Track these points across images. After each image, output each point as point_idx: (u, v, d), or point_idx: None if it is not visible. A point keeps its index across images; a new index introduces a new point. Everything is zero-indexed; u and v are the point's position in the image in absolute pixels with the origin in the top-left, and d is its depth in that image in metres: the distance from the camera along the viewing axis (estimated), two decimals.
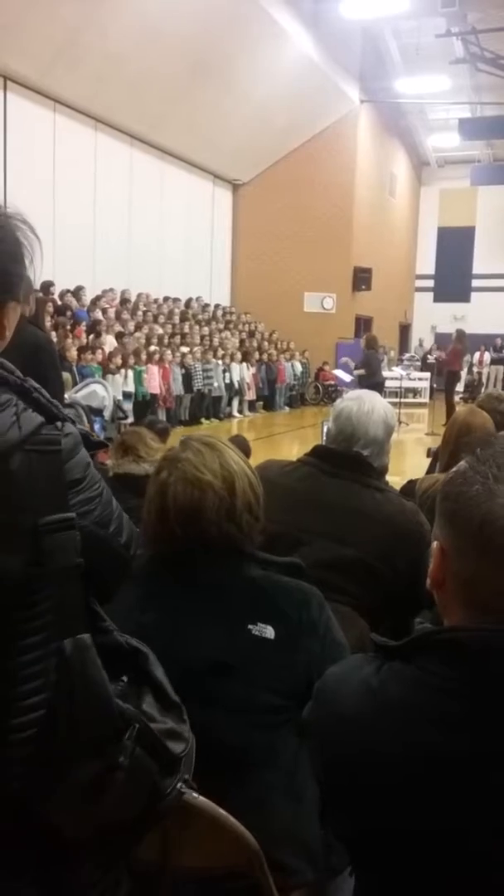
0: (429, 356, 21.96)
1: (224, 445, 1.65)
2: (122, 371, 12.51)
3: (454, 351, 15.55)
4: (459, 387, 21.47)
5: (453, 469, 1.01)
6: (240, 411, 16.67)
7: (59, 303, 13.24)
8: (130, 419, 12.21)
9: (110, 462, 3.54)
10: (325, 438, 2.51)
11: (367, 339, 13.94)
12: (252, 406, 17.28)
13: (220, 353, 16.10)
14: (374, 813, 0.96)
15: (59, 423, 1.16)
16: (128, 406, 12.28)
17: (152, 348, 13.83)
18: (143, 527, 1.60)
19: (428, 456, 4.55)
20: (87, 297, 14.24)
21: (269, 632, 1.51)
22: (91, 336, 12.65)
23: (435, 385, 15.86)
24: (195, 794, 1.27)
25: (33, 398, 1.16)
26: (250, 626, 1.51)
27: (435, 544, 0.99)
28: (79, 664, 1.12)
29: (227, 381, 15.99)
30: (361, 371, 13.38)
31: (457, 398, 17.54)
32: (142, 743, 1.16)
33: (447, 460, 2.87)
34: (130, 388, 12.72)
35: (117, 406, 11.01)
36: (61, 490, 1.14)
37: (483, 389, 19.43)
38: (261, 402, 17.66)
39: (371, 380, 12.65)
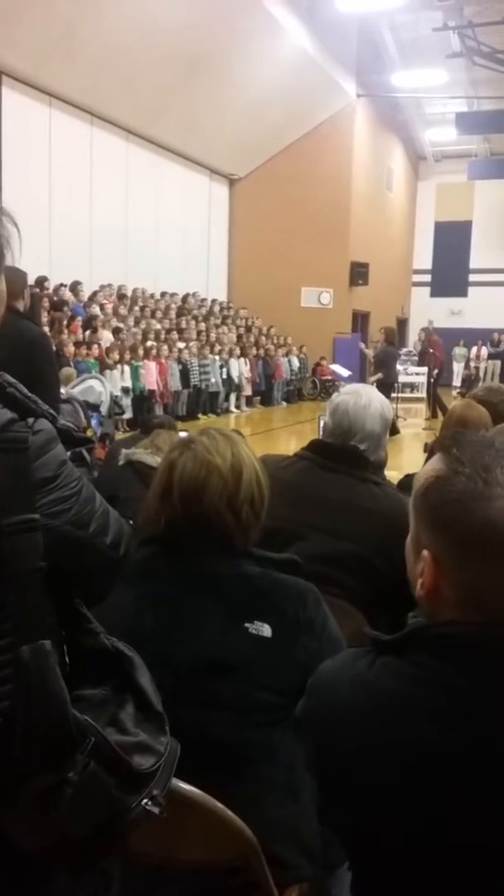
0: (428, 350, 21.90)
1: (241, 439, 1.65)
2: (119, 366, 12.50)
3: (437, 344, 15.52)
4: (456, 381, 21.55)
5: (431, 473, 0.97)
6: (237, 406, 16.66)
7: (56, 298, 13.20)
8: (128, 415, 12.21)
9: (125, 451, 3.56)
10: (321, 433, 2.51)
11: (386, 331, 13.14)
12: (249, 401, 17.27)
13: (218, 348, 16.08)
14: (367, 808, 0.96)
15: (29, 420, 1.12)
16: (125, 402, 12.27)
17: (149, 343, 13.81)
18: (144, 508, 1.60)
19: (425, 451, 4.54)
20: (84, 293, 14.21)
21: (266, 630, 1.51)
22: (88, 331, 12.62)
23: (432, 380, 15.88)
24: (182, 785, 1.24)
25: (6, 393, 1.12)
26: (247, 625, 1.51)
27: (424, 553, 0.97)
28: (36, 671, 1.06)
29: (225, 376, 15.97)
30: (371, 351, 13.00)
31: (454, 392, 17.56)
32: (97, 757, 1.10)
33: None
34: (128, 383, 12.70)
35: (114, 401, 10.98)
36: (26, 489, 1.09)
37: (480, 384, 19.45)
38: (258, 398, 17.64)
39: (384, 378, 12.37)
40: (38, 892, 1.15)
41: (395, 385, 13.09)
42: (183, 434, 1.67)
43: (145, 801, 1.14)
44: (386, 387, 12.14)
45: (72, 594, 1.19)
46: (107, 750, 1.11)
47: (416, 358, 20.99)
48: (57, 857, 1.12)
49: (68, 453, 1.19)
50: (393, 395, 12.54)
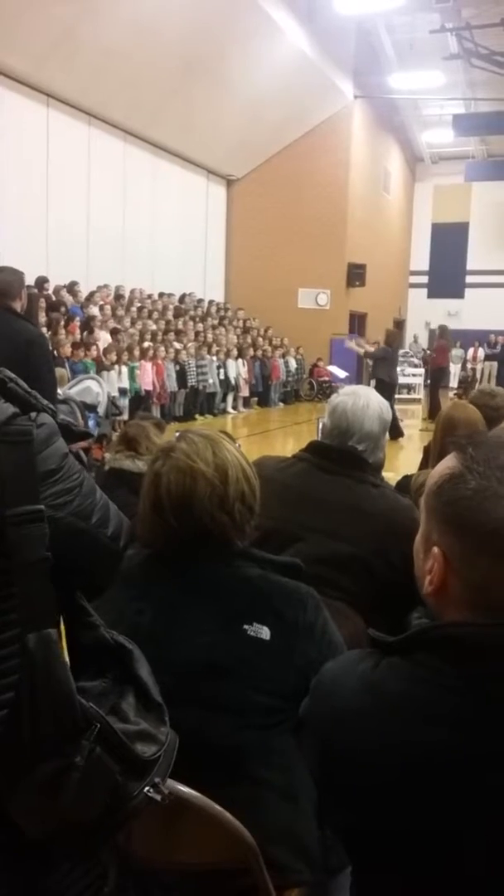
0: (426, 355, 21.95)
1: (220, 437, 1.65)
2: (117, 367, 12.49)
3: (440, 347, 15.59)
4: (453, 382, 21.57)
5: (445, 471, 0.97)
6: (234, 407, 16.66)
7: (53, 299, 13.18)
8: (125, 416, 12.20)
9: (108, 455, 3.56)
10: (321, 434, 2.50)
11: (388, 333, 13.44)
12: (247, 402, 17.26)
13: (215, 349, 16.08)
14: (370, 810, 0.95)
15: (32, 414, 1.15)
16: (122, 402, 12.26)
17: (146, 344, 13.80)
18: (139, 520, 1.60)
19: (424, 453, 4.55)
20: (81, 293, 14.20)
21: (264, 632, 1.50)
22: (85, 332, 12.61)
23: (429, 381, 15.94)
24: (181, 787, 1.25)
25: (8, 388, 1.14)
26: (246, 626, 1.50)
27: (435, 550, 0.97)
28: (42, 659, 1.09)
29: (223, 377, 15.97)
30: (371, 349, 13.14)
31: (451, 394, 17.59)
32: (103, 743, 1.12)
33: (435, 456, 2.89)
34: (125, 384, 12.70)
35: (112, 402, 10.98)
36: (31, 481, 1.11)
37: (477, 385, 19.48)
38: (255, 399, 17.64)
39: (385, 379, 12.36)
40: (38, 881, 1.16)
41: (396, 387, 13.12)
42: (176, 435, 1.66)
43: (147, 788, 1.16)
44: (387, 388, 12.19)
45: (72, 586, 1.20)
46: (112, 736, 1.13)
47: (412, 359, 21.02)
48: (60, 843, 1.14)
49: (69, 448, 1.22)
50: (395, 396, 12.53)
